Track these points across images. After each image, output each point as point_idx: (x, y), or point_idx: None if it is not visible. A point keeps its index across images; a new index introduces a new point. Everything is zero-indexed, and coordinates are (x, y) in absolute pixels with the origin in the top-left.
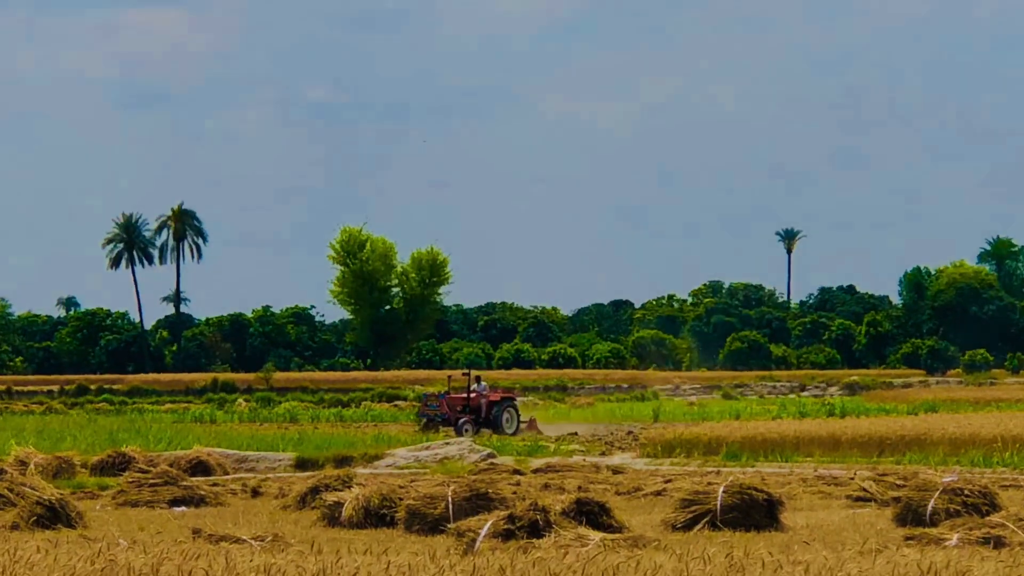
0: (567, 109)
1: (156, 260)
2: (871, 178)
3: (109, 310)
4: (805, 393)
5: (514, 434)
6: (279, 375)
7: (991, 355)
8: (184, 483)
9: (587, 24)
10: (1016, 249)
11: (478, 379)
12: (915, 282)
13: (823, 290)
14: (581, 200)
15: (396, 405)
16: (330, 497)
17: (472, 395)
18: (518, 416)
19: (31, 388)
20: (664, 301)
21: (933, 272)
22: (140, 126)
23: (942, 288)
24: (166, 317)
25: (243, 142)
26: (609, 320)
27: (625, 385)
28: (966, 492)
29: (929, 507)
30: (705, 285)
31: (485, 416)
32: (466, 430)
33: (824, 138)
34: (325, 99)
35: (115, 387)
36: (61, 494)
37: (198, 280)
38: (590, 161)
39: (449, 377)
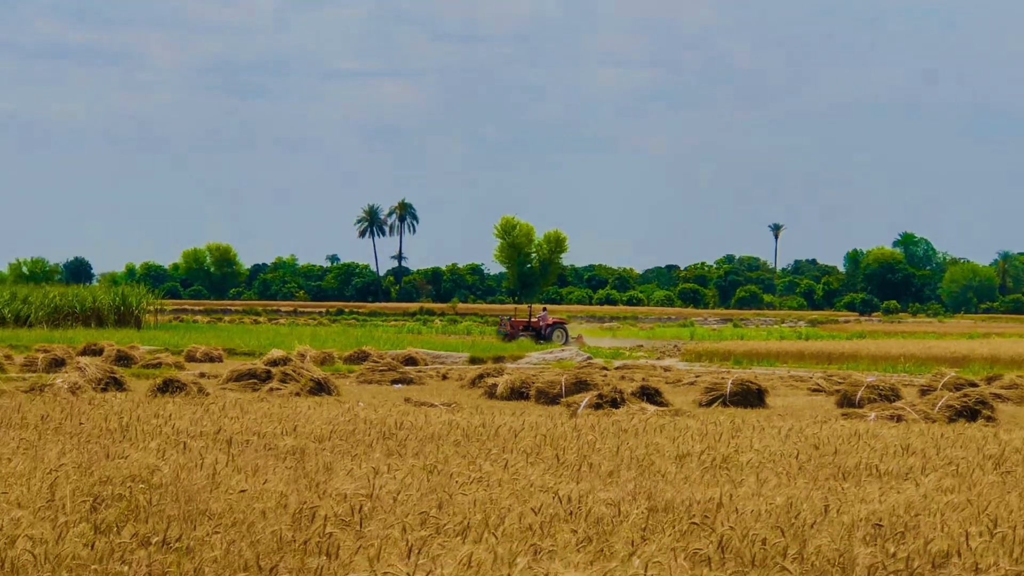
0: (642, 144)
1: (387, 233)
2: (832, 183)
3: (358, 263)
4: (784, 325)
5: (565, 344)
6: (461, 306)
7: (899, 304)
8: (400, 370)
9: (653, 88)
10: (917, 239)
11: (544, 309)
12: (853, 258)
13: (797, 261)
14: (651, 198)
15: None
16: (490, 380)
17: (534, 320)
18: (567, 334)
19: (309, 310)
20: (699, 266)
21: (864, 252)
22: (381, 151)
23: (870, 262)
24: (392, 268)
25: (443, 161)
26: (664, 276)
27: (673, 317)
28: (880, 387)
29: (858, 396)
30: (724, 257)
31: (542, 333)
32: (541, 340)
33: (800, 154)
34: (493, 135)
35: (360, 311)
36: (325, 374)
37: (413, 246)
38: (657, 176)
39: (515, 308)
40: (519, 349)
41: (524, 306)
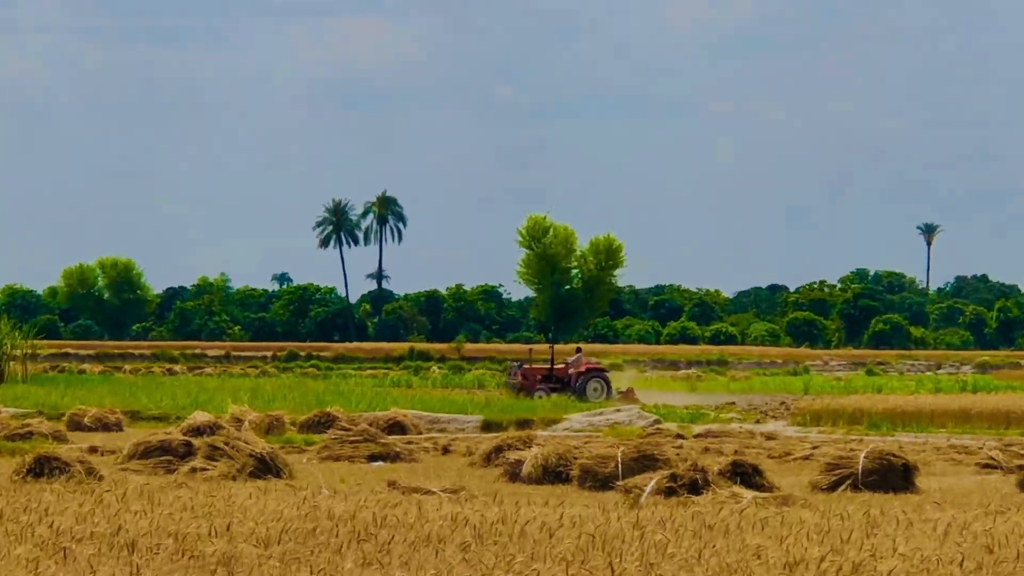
0: (732, 109)
1: (361, 241)
2: (1006, 174)
3: (318, 285)
4: (941, 371)
5: (608, 398)
6: (469, 346)
7: None
8: (381, 440)
9: (755, 30)
10: None
11: (578, 350)
12: None
13: (959, 278)
14: (743, 192)
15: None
16: (512, 455)
17: (559, 366)
18: (608, 387)
19: (247, 353)
20: (816, 286)
21: None
22: (349, 122)
23: None
24: (369, 292)
25: (439, 136)
26: (766, 302)
27: (779, 361)
28: None
29: None
30: (852, 272)
31: (571, 384)
32: (571, 394)
33: (962, 139)
34: (511, 98)
35: (322, 354)
36: (271, 448)
37: (398, 259)
38: (752, 158)
39: (530, 350)
40: (554, 410)
41: (543, 346)
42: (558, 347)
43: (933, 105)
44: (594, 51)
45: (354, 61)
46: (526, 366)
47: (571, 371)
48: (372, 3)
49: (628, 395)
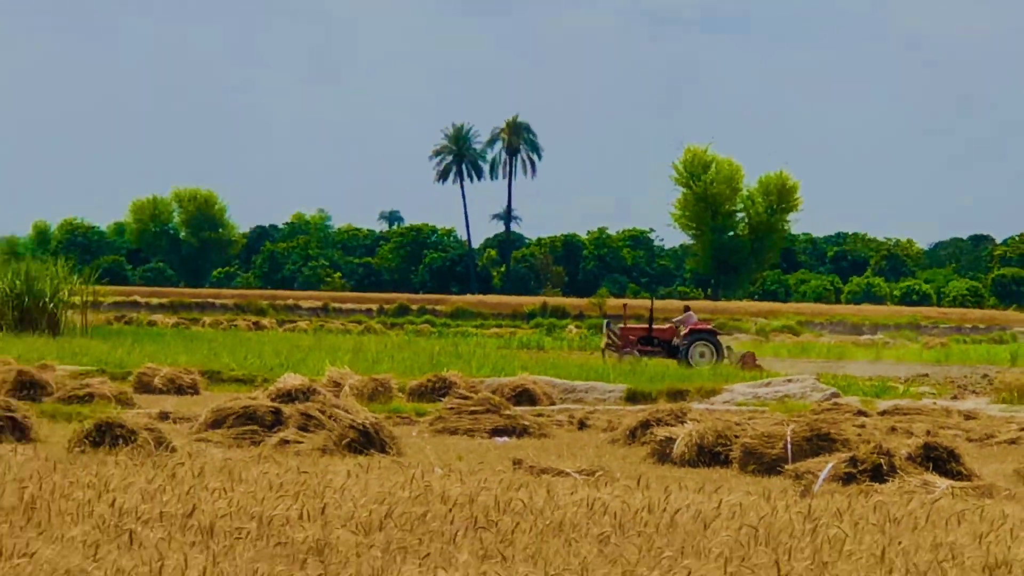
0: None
1: (487, 175)
2: None
3: (435, 226)
4: None
5: (718, 361)
6: (613, 301)
7: None
8: (506, 412)
9: None
10: None
11: (686, 308)
12: None
13: None
14: (941, 127)
15: (736, 339)
16: (661, 432)
17: (665, 326)
18: (718, 351)
19: (349, 306)
20: None
21: None
22: (475, 32)
23: None
24: (495, 236)
25: (582, 53)
26: (968, 255)
27: (982, 326)
28: None
29: None
30: None
31: (676, 348)
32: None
33: None
34: (670, 6)
35: (438, 308)
36: (375, 418)
37: (530, 198)
38: (952, 88)
39: (624, 306)
40: (713, 380)
41: (639, 301)
42: (634, 302)
43: None
44: None
45: None
46: (621, 325)
47: (681, 332)
48: None
49: (747, 362)
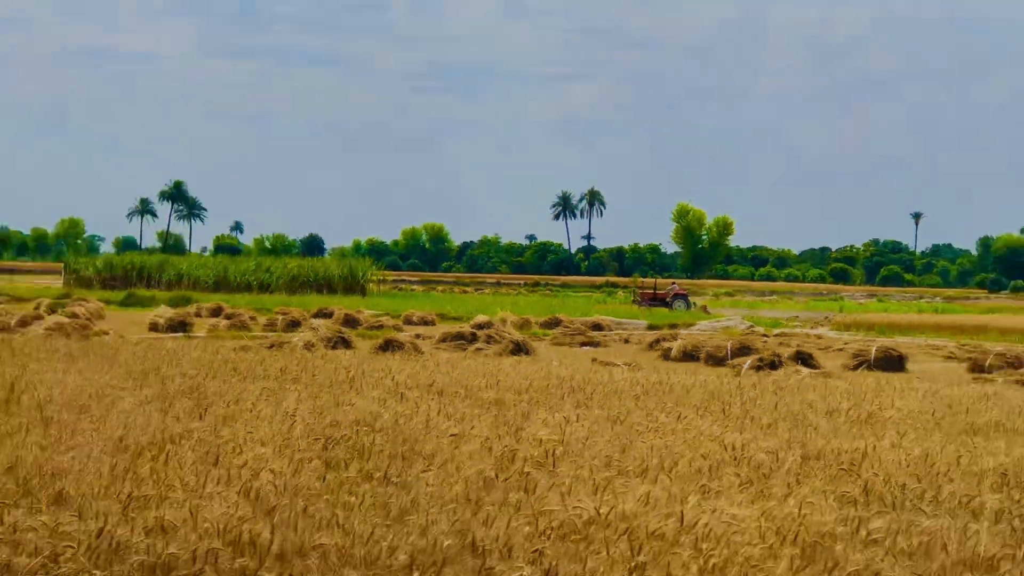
0: None
1: (578, 215)
2: None
3: (552, 242)
4: (922, 300)
5: (688, 310)
6: (641, 280)
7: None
8: (588, 334)
9: None
10: None
11: (673, 283)
12: (984, 243)
13: (935, 245)
14: (809, 181)
15: (702, 299)
16: (665, 344)
17: (661, 291)
18: (687, 304)
19: (509, 282)
20: (848, 248)
21: (994, 237)
22: (572, 144)
23: (999, 247)
24: (582, 247)
25: (627, 155)
26: (818, 257)
27: (825, 292)
28: (1008, 356)
29: (987, 363)
30: (870, 240)
31: (667, 302)
32: (667, 307)
33: None
34: (670, 134)
35: (553, 283)
36: (523, 337)
37: (600, 227)
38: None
39: (642, 282)
40: (691, 318)
41: (651, 279)
42: (648, 280)
43: None
44: (717, 110)
45: (578, 107)
46: (642, 291)
47: (671, 294)
48: (588, 73)
49: (704, 310)
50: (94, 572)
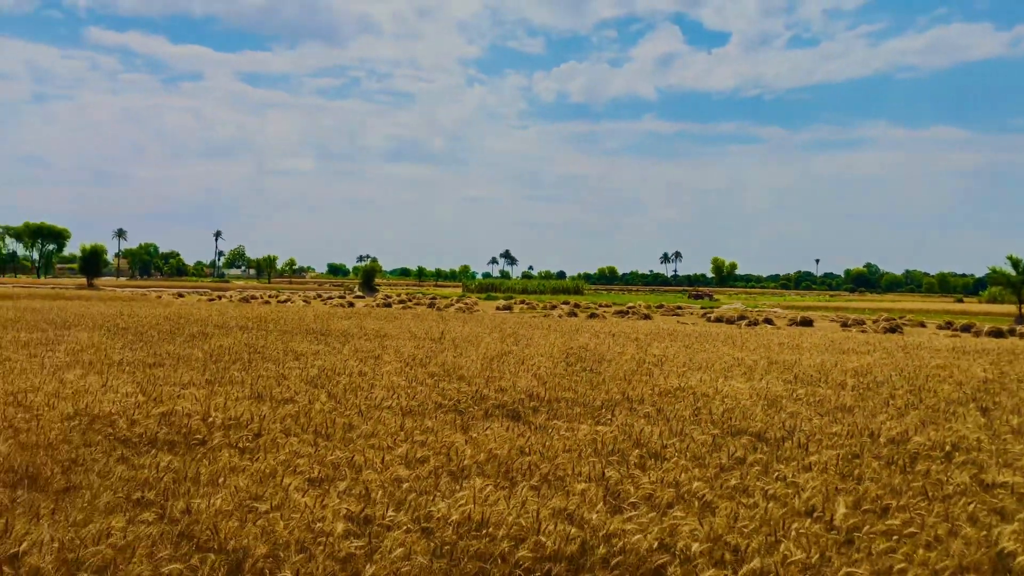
0: None
1: None
2: None
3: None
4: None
5: (711, 302)
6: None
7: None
8: (676, 311)
9: None
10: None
11: (707, 290)
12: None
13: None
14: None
15: (720, 298)
16: (707, 314)
17: (700, 293)
18: (711, 298)
19: (639, 289)
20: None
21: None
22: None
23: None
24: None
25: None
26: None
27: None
28: (858, 319)
29: (848, 321)
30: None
31: (701, 296)
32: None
33: None
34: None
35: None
36: (648, 312)
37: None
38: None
39: (694, 288)
40: (716, 305)
41: (698, 288)
42: (704, 289)
43: None
44: None
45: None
46: (694, 293)
47: (703, 295)
48: None
49: (713, 300)
50: (472, 407)
